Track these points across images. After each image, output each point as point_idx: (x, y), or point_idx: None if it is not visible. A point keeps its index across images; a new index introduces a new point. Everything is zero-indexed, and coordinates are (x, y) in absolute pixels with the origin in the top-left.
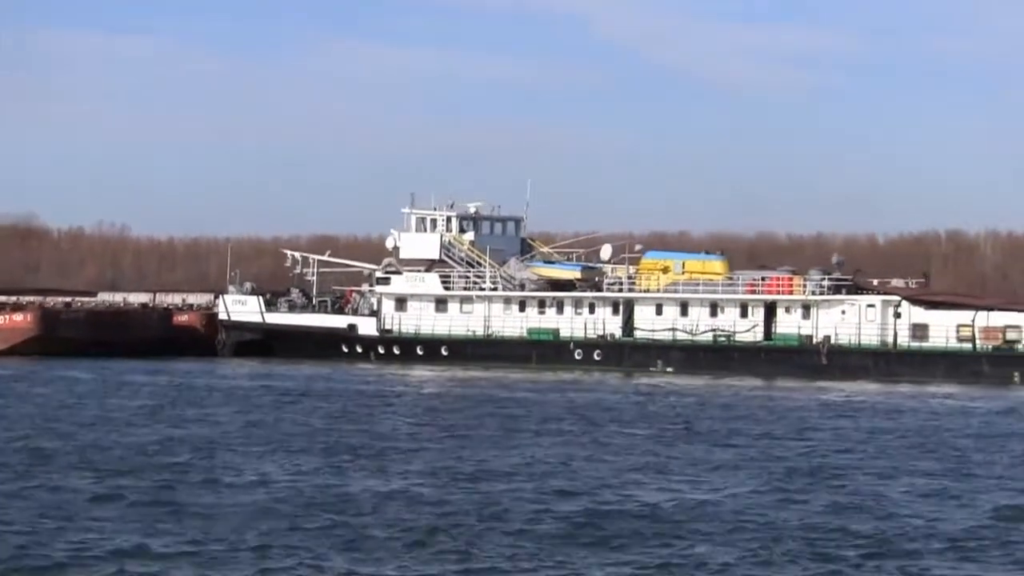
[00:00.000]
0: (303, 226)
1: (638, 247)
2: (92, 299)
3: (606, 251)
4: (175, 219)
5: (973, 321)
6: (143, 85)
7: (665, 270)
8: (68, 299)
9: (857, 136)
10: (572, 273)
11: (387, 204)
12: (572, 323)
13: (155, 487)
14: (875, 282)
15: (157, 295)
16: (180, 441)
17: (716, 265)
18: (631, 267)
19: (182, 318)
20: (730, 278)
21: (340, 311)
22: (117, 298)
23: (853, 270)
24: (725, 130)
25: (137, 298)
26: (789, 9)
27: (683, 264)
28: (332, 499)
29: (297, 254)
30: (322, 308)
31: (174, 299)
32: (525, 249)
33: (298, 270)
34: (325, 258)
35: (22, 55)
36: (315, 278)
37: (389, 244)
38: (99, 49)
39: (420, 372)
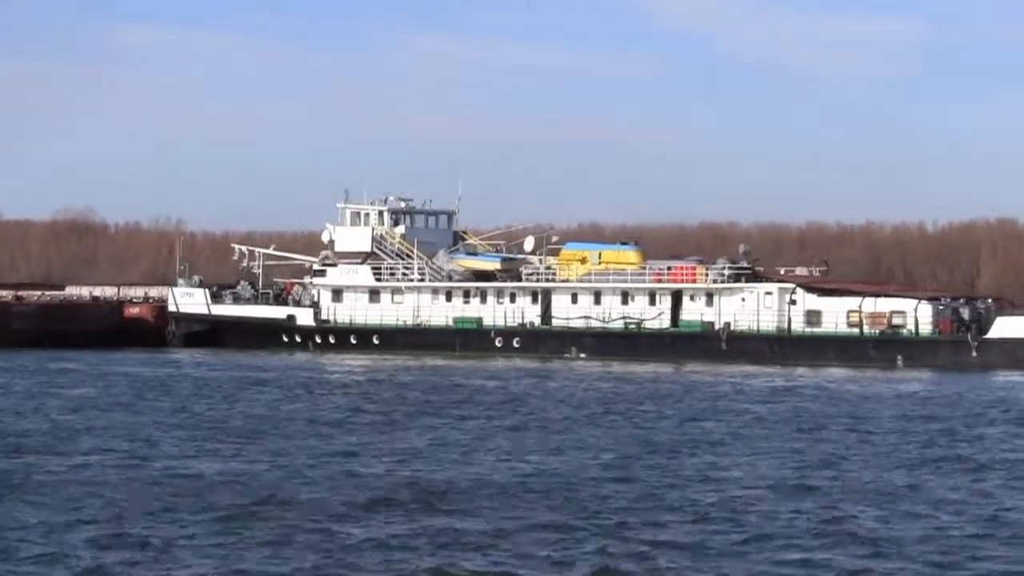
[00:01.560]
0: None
1: (555, 239)
2: (60, 292)
3: (529, 243)
4: (231, 214)
5: (860, 307)
6: (204, 79)
7: (583, 260)
8: (20, 292)
9: (922, 124)
10: (493, 264)
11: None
12: (495, 312)
13: None
14: (782, 271)
15: (122, 288)
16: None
17: (630, 255)
18: (550, 258)
19: (133, 310)
20: (643, 268)
21: (283, 303)
22: (84, 291)
23: (753, 259)
24: (786, 118)
25: (103, 291)
26: None
27: (600, 255)
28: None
29: (244, 248)
30: (264, 300)
31: (138, 292)
32: (457, 242)
33: (245, 263)
34: (270, 251)
35: (88, 49)
36: (260, 271)
37: (325, 238)
38: (161, 43)
39: (314, 359)
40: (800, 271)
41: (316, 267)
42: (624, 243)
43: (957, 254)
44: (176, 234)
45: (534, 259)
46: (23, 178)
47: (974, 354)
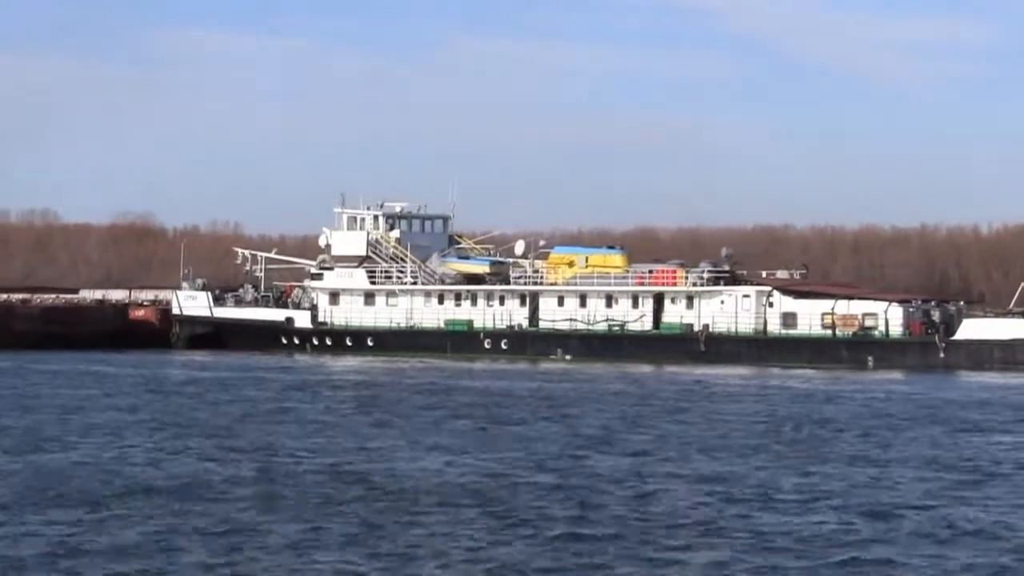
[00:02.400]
0: None
1: (542, 243)
2: (75, 295)
3: (519, 246)
4: (288, 217)
5: (833, 309)
6: (262, 83)
7: (571, 264)
8: (28, 295)
9: (978, 126)
10: (482, 267)
11: (515, 199)
12: (485, 314)
13: None
14: (764, 274)
15: (133, 291)
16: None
17: (616, 259)
18: (539, 261)
19: (138, 313)
20: (628, 271)
21: (284, 305)
22: (98, 295)
23: (720, 261)
24: (842, 120)
25: (117, 295)
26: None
27: (587, 258)
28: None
29: (247, 252)
30: (265, 303)
31: (147, 295)
32: (452, 245)
33: (247, 267)
34: (272, 255)
35: (150, 53)
36: (263, 274)
37: (322, 242)
38: (220, 46)
39: (305, 360)
40: (781, 274)
41: (313, 271)
42: (611, 247)
43: (1012, 256)
44: (233, 238)
45: (525, 262)
46: (83, 181)
47: (941, 355)
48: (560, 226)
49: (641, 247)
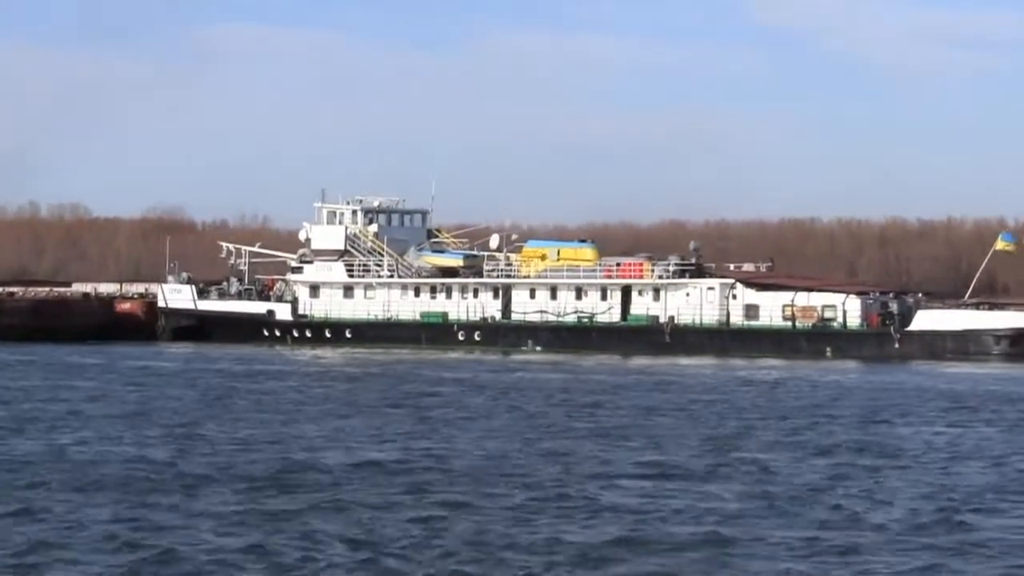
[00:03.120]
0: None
1: (514, 237)
2: (67, 289)
3: (494, 240)
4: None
5: (793, 301)
6: (294, 77)
7: (543, 257)
8: (16, 288)
9: (1007, 119)
10: (456, 261)
11: (542, 193)
12: (459, 307)
13: None
14: (731, 267)
15: (124, 285)
16: None
17: (587, 252)
18: (512, 255)
19: (124, 306)
20: (598, 265)
21: (266, 298)
22: (88, 288)
23: (689, 254)
24: (877, 113)
25: (106, 288)
26: None
27: (558, 252)
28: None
29: (231, 246)
30: (248, 296)
31: (139, 288)
32: (431, 239)
33: (232, 261)
34: (256, 249)
35: (178, 49)
36: (247, 268)
37: (302, 236)
38: (250, 42)
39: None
40: (747, 267)
41: (294, 264)
42: (582, 241)
43: None
44: (261, 231)
45: (499, 256)
46: (114, 176)
47: (896, 345)
48: (591, 220)
49: (667, 242)
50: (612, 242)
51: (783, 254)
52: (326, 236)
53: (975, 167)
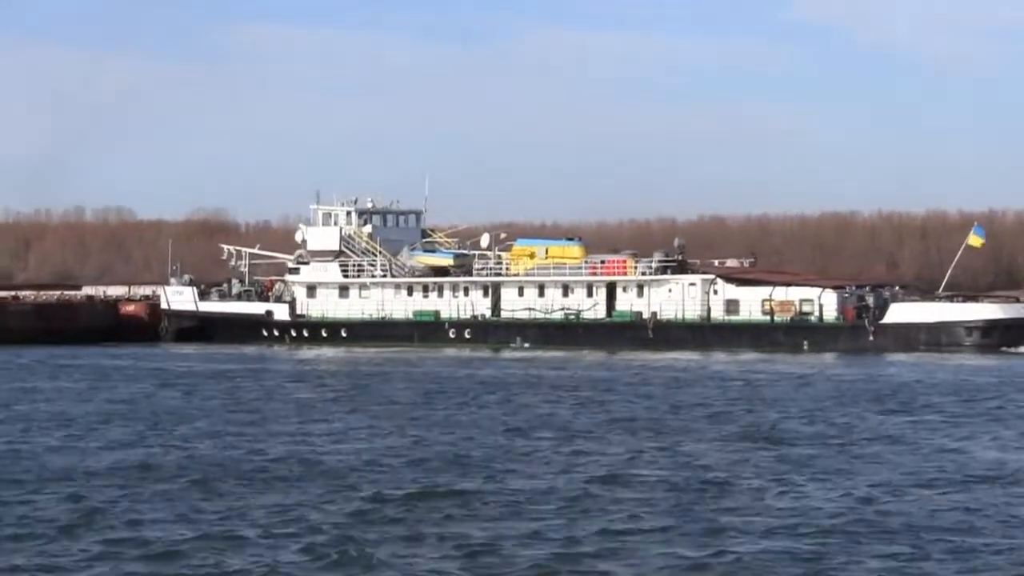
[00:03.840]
0: (474, 214)
1: (503, 235)
2: (76, 292)
3: (484, 239)
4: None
5: (771, 296)
6: (334, 77)
7: (532, 255)
8: (15, 292)
9: None
10: (446, 260)
11: (585, 191)
12: (450, 305)
13: None
14: (715, 262)
15: (132, 287)
16: None
17: (574, 250)
18: (502, 253)
19: (129, 308)
20: (585, 262)
21: (265, 299)
22: (99, 291)
23: (673, 251)
24: (917, 105)
25: (116, 291)
26: None
27: (547, 250)
28: None
29: (232, 248)
30: (247, 297)
31: (146, 291)
32: (426, 239)
33: (233, 262)
34: (256, 251)
35: (221, 49)
36: (247, 269)
37: (298, 237)
38: (291, 41)
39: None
40: (731, 263)
41: (291, 265)
42: (570, 239)
43: None
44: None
45: (490, 254)
46: (159, 178)
47: (871, 338)
48: (632, 217)
49: (705, 238)
50: (648, 239)
51: (823, 248)
52: (321, 237)
53: (1016, 158)
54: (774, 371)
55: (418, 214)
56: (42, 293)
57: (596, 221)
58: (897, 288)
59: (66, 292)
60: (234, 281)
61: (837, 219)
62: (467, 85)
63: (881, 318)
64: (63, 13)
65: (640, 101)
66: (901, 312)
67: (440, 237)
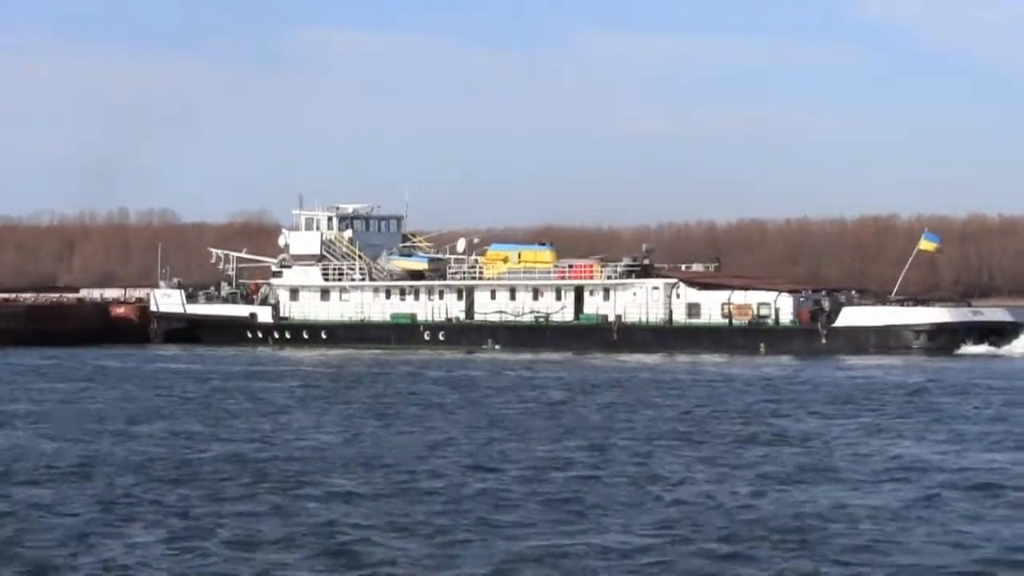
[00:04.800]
0: (529, 216)
1: (476, 240)
2: (75, 294)
3: (461, 244)
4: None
5: (730, 299)
6: (379, 80)
7: (505, 260)
8: (11, 295)
9: None
10: (421, 264)
11: (615, 190)
12: (426, 308)
13: None
14: (683, 267)
15: (128, 290)
16: None
17: (546, 255)
18: (476, 257)
19: (119, 310)
20: (556, 266)
21: (250, 302)
22: (95, 294)
23: (643, 256)
24: (958, 107)
25: (113, 293)
26: None
27: (519, 255)
28: None
29: (220, 251)
30: (233, 299)
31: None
32: (405, 243)
33: (221, 266)
34: (243, 255)
35: (266, 53)
36: (234, 272)
37: (281, 242)
38: (336, 45)
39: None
40: (697, 267)
41: (275, 269)
42: (542, 244)
43: None
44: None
45: (468, 259)
46: (203, 181)
47: (823, 341)
48: (671, 220)
49: (742, 242)
50: (688, 242)
51: (863, 252)
52: (303, 242)
53: None
54: (703, 371)
55: (398, 219)
56: (42, 296)
57: (636, 224)
58: (853, 292)
59: (65, 295)
60: (223, 284)
61: (877, 222)
62: (514, 88)
63: (834, 321)
64: (108, 19)
65: (679, 103)
66: (852, 316)
67: (421, 242)
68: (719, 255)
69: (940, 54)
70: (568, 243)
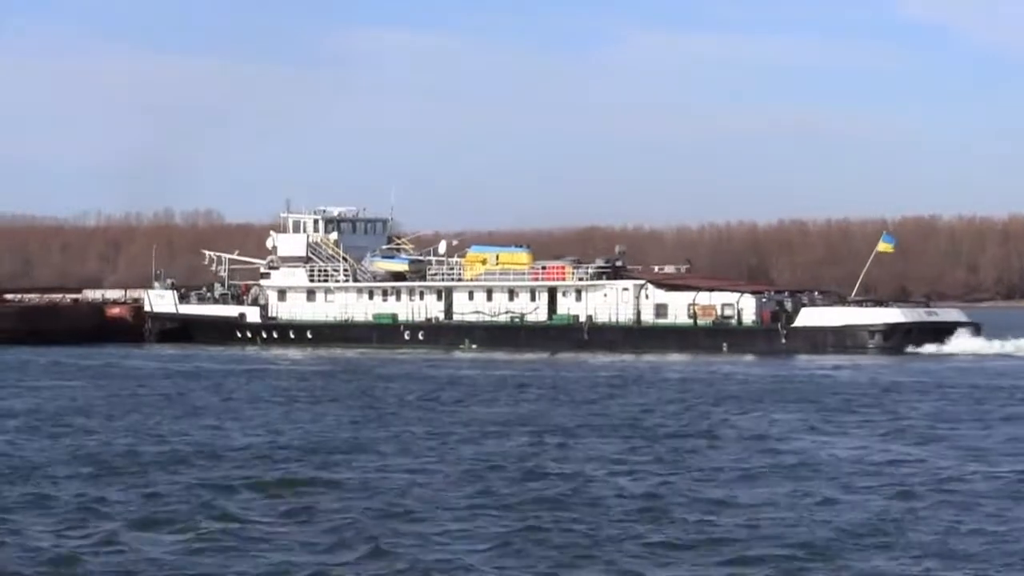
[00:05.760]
0: (567, 218)
1: (455, 242)
2: (76, 295)
3: (442, 246)
4: (444, 214)
5: (695, 300)
6: (429, 81)
7: (484, 261)
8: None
9: None
10: (402, 266)
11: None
12: (407, 308)
13: None
14: (656, 268)
15: (129, 291)
16: None
17: (522, 257)
18: (457, 259)
19: (114, 311)
20: (532, 268)
21: (241, 302)
22: (96, 294)
23: (614, 257)
24: (1000, 106)
25: (113, 294)
26: None
27: (497, 256)
28: None
29: (213, 253)
30: (223, 300)
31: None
32: (390, 245)
33: (214, 267)
34: (235, 256)
35: (318, 53)
36: (226, 274)
37: (269, 244)
38: (388, 46)
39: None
40: (669, 269)
41: (263, 270)
42: (519, 246)
43: None
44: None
45: (451, 260)
46: (249, 181)
47: (784, 341)
48: (712, 220)
49: (783, 243)
50: (729, 242)
51: (904, 253)
52: (290, 244)
53: None
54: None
55: (384, 222)
56: (46, 296)
57: (677, 225)
58: (816, 293)
59: (67, 295)
60: (216, 284)
61: (918, 223)
62: (565, 88)
63: (793, 322)
64: (157, 20)
65: (722, 103)
66: (811, 316)
67: (405, 243)
68: (760, 256)
69: (984, 54)
70: (609, 246)
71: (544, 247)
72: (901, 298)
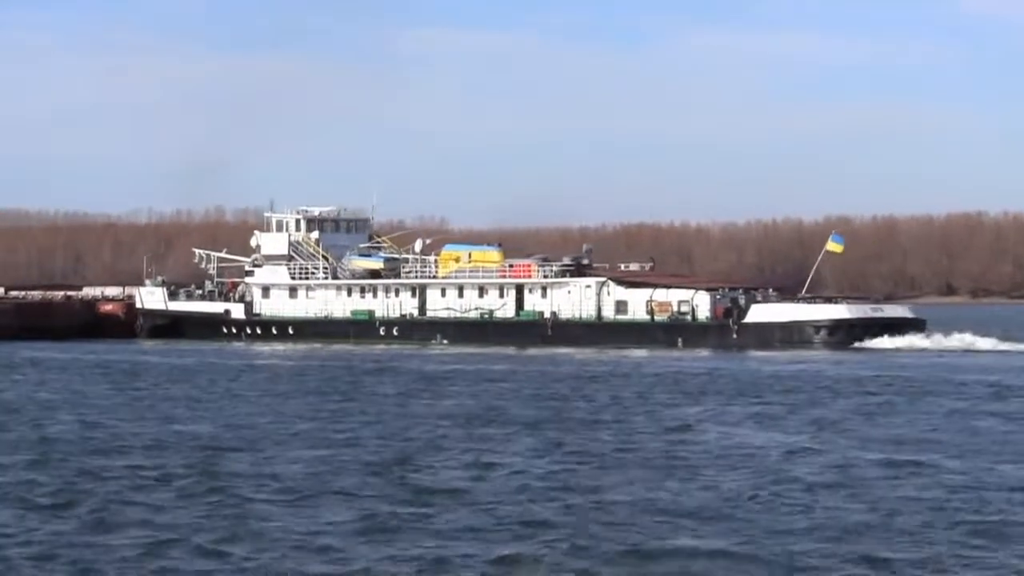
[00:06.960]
0: (608, 214)
1: (428, 241)
2: (77, 292)
3: (418, 244)
4: (496, 212)
5: (652, 297)
6: (484, 80)
7: (457, 259)
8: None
9: None
10: (378, 264)
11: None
12: (383, 305)
13: None
14: (621, 266)
15: (125, 288)
16: None
17: (494, 255)
18: (431, 257)
19: (107, 307)
20: (502, 266)
21: (227, 299)
22: (96, 291)
23: (578, 255)
24: None
25: (112, 291)
26: None
27: (470, 254)
28: None
29: (202, 251)
30: (211, 296)
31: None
32: (370, 243)
33: (203, 265)
34: (223, 255)
35: (376, 52)
36: (215, 271)
37: (253, 243)
38: (444, 45)
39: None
40: (633, 267)
41: (247, 267)
42: (490, 244)
43: None
44: (438, 231)
45: (425, 258)
46: (300, 178)
47: (734, 336)
48: (758, 217)
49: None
50: (776, 238)
51: (949, 249)
52: (273, 243)
53: None
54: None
55: (364, 221)
56: (48, 293)
57: (725, 221)
58: (770, 290)
59: (68, 292)
60: (205, 282)
61: (964, 219)
62: (625, 89)
63: (744, 318)
64: (210, 17)
65: (774, 102)
66: (760, 312)
67: (384, 242)
68: (805, 252)
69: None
70: (651, 243)
71: (600, 247)
72: (854, 296)
